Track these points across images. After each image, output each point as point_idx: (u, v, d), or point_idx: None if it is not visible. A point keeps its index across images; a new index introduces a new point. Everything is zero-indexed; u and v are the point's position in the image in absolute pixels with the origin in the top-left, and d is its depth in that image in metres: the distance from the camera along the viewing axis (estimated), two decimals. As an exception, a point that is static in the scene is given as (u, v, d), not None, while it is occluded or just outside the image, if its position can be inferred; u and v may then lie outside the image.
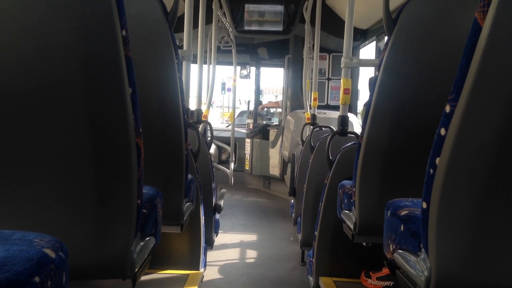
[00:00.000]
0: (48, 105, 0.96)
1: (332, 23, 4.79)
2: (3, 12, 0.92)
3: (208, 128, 3.39)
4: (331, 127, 3.44)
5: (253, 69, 7.28)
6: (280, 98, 7.81)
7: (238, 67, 6.72)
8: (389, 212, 1.34)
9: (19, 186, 1.00)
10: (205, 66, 4.59)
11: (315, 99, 4.00)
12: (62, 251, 0.75)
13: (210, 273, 3.03)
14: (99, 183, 1.02)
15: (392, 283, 2.10)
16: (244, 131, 7.26)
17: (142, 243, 1.21)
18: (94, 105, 0.98)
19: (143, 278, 2.13)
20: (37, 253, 0.69)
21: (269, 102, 8.53)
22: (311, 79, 4.40)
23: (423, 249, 1.08)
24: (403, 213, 1.26)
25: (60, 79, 0.95)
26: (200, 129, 2.97)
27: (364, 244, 1.88)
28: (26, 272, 0.64)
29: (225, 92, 13.13)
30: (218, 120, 14.94)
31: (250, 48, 6.86)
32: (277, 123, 6.78)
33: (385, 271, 2.12)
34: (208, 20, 4.02)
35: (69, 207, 1.02)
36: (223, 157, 6.81)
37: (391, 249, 1.30)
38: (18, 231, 0.78)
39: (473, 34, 0.89)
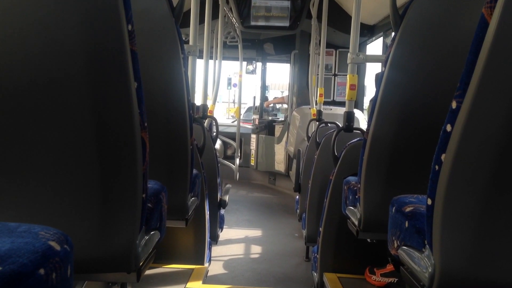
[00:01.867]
0: (54, 99, 0.97)
1: (339, 19, 4.78)
2: (9, 7, 0.92)
3: (214, 123, 3.39)
4: (337, 123, 3.44)
5: (259, 64, 7.28)
6: (286, 94, 7.81)
7: (244, 63, 6.71)
8: (394, 208, 1.34)
9: (24, 179, 1.01)
10: (211, 61, 4.59)
11: (321, 95, 4.00)
12: (67, 244, 0.76)
13: (215, 268, 3.05)
14: (104, 177, 1.02)
15: (396, 279, 2.10)
16: (249, 126, 7.26)
17: (147, 237, 1.22)
18: (99, 99, 0.98)
19: (148, 272, 2.15)
20: (42, 246, 0.70)
21: (275, 98, 8.53)
22: (317, 75, 4.39)
23: (427, 246, 1.08)
24: (408, 209, 1.25)
25: (65, 73, 0.96)
26: (205, 124, 2.98)
27: (368, 240, 1.88)
28: (31, 264, 0.64)
29: (231, 87, 13.12)
30: (224, 115, 14.94)
31: (257, 44, 6.85)
32: (283, 119, 6.78)
33: (390, 267, 2.12)
34: (215, 15, 4.02)
35: (75, 201, 1.03)
36: (229, 152, 6.83)
37: (396, 245, 1.30)
38: (23, 223, 0.79)
39: (480, 30, 0.88)
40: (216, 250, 3.36)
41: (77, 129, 0.99)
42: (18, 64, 0.94)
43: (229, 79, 12.24)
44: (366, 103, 5.60)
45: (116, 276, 1.15)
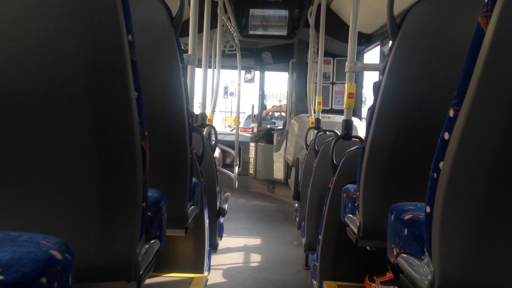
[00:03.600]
0: (55, 109, 0.98)
1: (337, 28, 4.80)
2: (12, 20, 0.93)
3: (213, 132, 3.40)
4: (335, 131, 3.44)
5: (257, 73, 7.30)
6: (284, 103, 7.83)
7: (243, 71, 6.74)
8: (393, 216, 1.35)
9: (26, 189, 1.01)
10: (209, 70, 4.61)
11: (319, 103, 4.01)
12: (69, 253, 0.76)
13: (214, 277, 3.04)
14: (104, 186, 1.03)
15: (395, 287, 2.09)
16: (248, 135, 7.27)
17: (147, 246, 1.22)
18: (100, 109, 0.99)
19: (148, 281, 2.14)
20: (44, 255, 0.70)
21: (273, 106, 8.55)
22: (316, 83, 4.41)
23: (426, 253, 1.08)
24: (407, 217, 1.26)
25: (66, 83, 0.97)
26: (204, 133, 2.98)
27: (368, 248, 1.88)
28: (33, 273, 0.65)
29: (227, 96, 13.04)
30: (220, 125, 14.90)
31: (255, 52, 6.88)
32: (281, 127, 6.79)
33: (389, 275, 2.12)
34: (213, 24, 4.04)
35: (75, 210, 1.03)
36: (228, 161, 6.83)
37: (395, 253, 1.31)
38: (25, 233, 0.79)
39: (476, 39, 0.89)
40: (216, 259, 3.35)
41: (78, 138, 0.99)
42: (20, 74, 0.95)
43: (226, 88, 12.19)
44: (365, 112, 5.61)
45: (116, 285, 1.15)
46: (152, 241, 1.28)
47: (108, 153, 1.02)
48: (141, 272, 1.15)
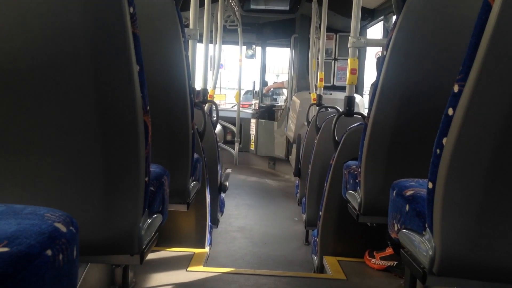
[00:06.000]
0: (57, 82, 0.97)
1: (340, 2, 4.73)
2: None
3: (214, 108, 3.39)
4: (337, 107, 3.43)
5: (258, 49, 7.23)
6: (281, 77, 7.77)
7: (244, 47, 6.68)
8: (394, 192, 1.35)
9: (29, 162, 1.01)
10: (210, 46, 4.56)
11: (321, 80, 3.99)
12: (73, 226, 0.76)
13: (215, 252, 3.07)
14: (107, 160, 1.03)
15: (395, 263, 2.12)
16: (249, 111, 7.26)
17: (149, 220, 1.23)
18: (102, 82, 0.99)
19: (150, 255, 2.17)
20: (48, 227, 0.71)
21: (274, 83, 8.50)
22: (318, 59, 4.37)
23: (428, 229, 1.09)
24: (409, 193, 1.26)
25: (68, 56, 0.96)
26: (205, 109, 2.98)
27: (368, 224, 1.89)
28: (39, 245, 0.65)
29: (217, 69, 12.79)
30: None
31: (256, 28, 6.80)
32: (283, 104, 6.77)
33: (389, 251, 2.14)
34: None
35: (78, 184, 1.03)
36: (228, 137, 6.83)
37: (396, 228, 1.32)
38: (29, 206, 0.79)
39: (483, 13, 0.88)
40: (217, 234, 3.38)
41: (80, 111, 0.99)
42: (21, 47, 0.94)
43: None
44: (367, 88, 5.57)
45: (119, 258, 1.16)
46: (154, 216, 1.29)
47: (111, 127, 1.02)
48: (144, 246, 1.16)
